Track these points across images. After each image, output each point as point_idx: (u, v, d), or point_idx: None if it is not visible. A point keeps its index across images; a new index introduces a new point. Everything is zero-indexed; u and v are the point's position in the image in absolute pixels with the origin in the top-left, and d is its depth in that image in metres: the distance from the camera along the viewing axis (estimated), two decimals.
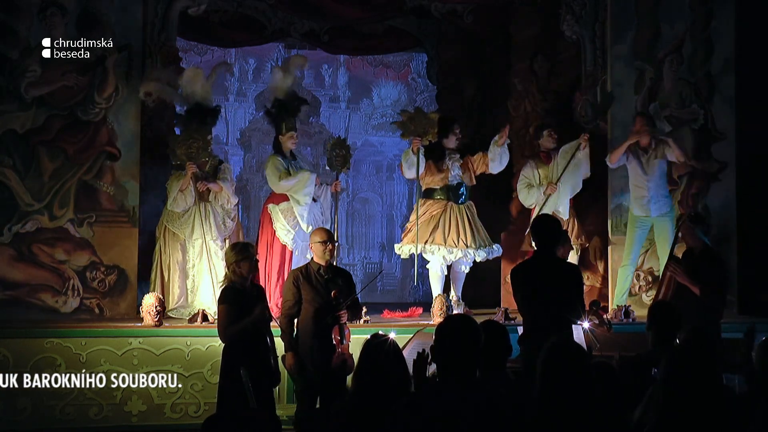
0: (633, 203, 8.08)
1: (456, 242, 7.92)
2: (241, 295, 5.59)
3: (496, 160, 8.02)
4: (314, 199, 7.93)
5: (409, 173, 8.03)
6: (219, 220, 7.72)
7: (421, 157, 7.91)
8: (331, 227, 7.78)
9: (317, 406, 5.89)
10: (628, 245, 8.10)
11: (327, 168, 8.38)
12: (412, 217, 8.15)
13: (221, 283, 5.91)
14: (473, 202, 8.24)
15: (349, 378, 5.82)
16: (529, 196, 8.22)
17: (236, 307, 5.55)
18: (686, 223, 6.58)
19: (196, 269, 7.65)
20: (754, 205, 8.63)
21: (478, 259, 8.05)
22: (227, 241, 7.71)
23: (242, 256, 5.66)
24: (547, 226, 5.46)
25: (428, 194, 8.11)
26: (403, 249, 8.12)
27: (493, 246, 8.15)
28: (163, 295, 7.47)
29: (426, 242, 7.93)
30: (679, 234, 6.71)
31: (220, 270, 7.61)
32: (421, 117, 7.96)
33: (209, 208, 7.69)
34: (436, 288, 8.00)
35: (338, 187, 8.05)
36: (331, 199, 8.08)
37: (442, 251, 7.92)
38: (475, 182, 8.21)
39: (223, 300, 5.64)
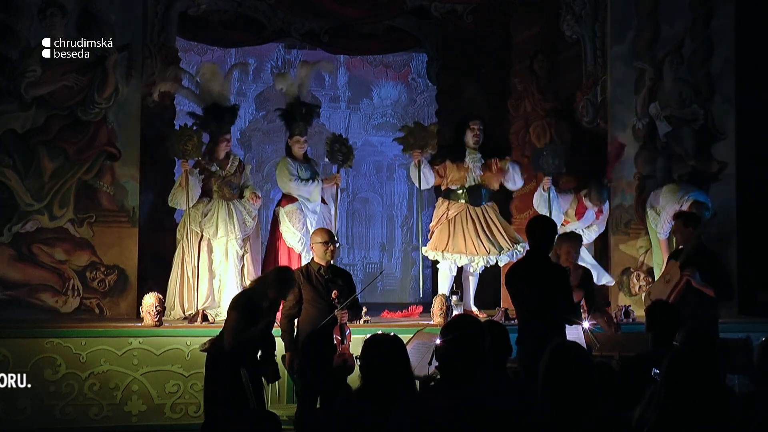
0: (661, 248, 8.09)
1: (476, 250, 7.85)
2: (255, 309, 5.53)
3: (510, 179, 8.02)
4: (323, 201, 7.97)
5: (416, 183, 8.04)
6: (242, 219, 7.72)
7: (426, 168, 7.91)
8: (333, 224, 7.82)
9: (317, 406, 5.89)
10: (655, 252, 8.18)
11: (327, 161, 8.35)
12: (435, 219, 8.13)
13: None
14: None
15: (349, 378, 5.83)
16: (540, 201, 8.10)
17: (247, 318, 5.47)
18: (679, 223, 6.57)
19: (222, 268, 7.65)
20: (754, 205, 8.63)
21: (501, 264, 7.99)
22: (248, 241, 7.71)
23: (283, 286, 5.63)
24: (540, 227, 5.42)
25: (447, 194, 8.07)
26: (429, 252, 8.10)
27: (518, 247, 7.93)
28: (186, 297, 7.48)
29: (447, 249, 7.90)
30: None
31: (245, 270, 7.64)
32: (421, 130, 7.95)
33: (232, 207, 7.70)
34: (444, 287, 7.99)
35: (339, 180, 8.07)
36: (332, 196, 8.08)
37: (464, 259, 7.89)
38: (498, 188, 8.10)
39: (236, 307, 5.57)
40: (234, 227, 7.64)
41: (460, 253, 7.87)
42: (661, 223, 8.00)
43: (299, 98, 8.04)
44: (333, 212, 8.08)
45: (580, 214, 8.12)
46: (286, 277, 5.73)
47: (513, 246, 7.95)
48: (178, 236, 7.72)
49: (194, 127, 7.63)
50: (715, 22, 8.60)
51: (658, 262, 8.07)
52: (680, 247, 6.64)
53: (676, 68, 8.55)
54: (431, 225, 8.17)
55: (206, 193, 7.72)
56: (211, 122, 7.70)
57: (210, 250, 7.64)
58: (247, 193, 7.89)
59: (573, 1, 8.56)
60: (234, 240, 7.65)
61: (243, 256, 7.73)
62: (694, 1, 8.57)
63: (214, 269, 7.65)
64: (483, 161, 8.00)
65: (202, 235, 7.63)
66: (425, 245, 8.14)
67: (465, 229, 7.89)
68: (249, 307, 5.53)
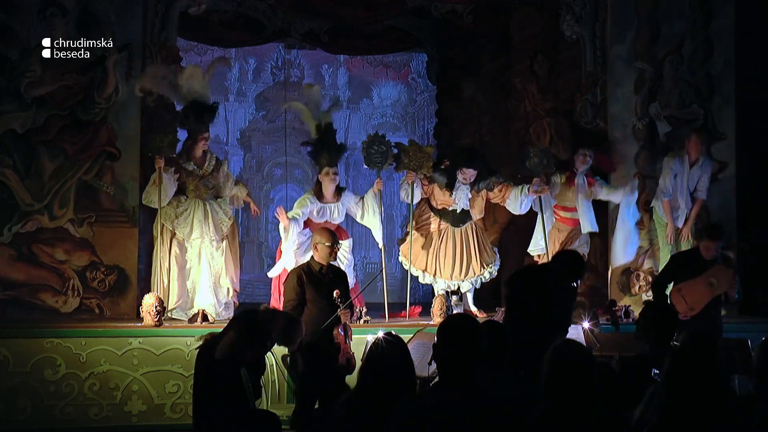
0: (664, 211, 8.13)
1: (441, 272, 7.90)
2: (254, 332, 5.41)
3: (516, 201, 7.91)
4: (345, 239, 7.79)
5: (406, 200, 8.04)
6: (218, 220, 7.66)
7: (417, 189, 7.88)
8: (380, 230, 7.82)
9: (315, 406, 5.89)
10: (662, 249, 8.19)
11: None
12: (415, 221, 8.12)
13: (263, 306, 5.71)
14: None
15: (348, 377, 5.85)
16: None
17: (244, 340, 5.25)
18: (707, 241, 6.63)
19: (195, 270, 7.59)
20: (754, 205, 8.63)
21: (463, 290, 8.01)
22: (224, 241, 7.67)
23: (288, 339, 5.53)
24: (562, 261, 5.37)
25: (431, 207, 8.08)
26: (402, 258, 8.15)
27: (485, 273, 8.02)
28: (163, 295, 7.45)
29: (415, 265, 7.95)
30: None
31: (223, 271, 7.58)
32: (416, 151, 7.86)
33: (208, 208, 7.62)
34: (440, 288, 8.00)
35: (380, 185, 7.93)
36: (374, 201, 7.92)
37: (427, 278, 7.96)
38: (483, 215, 8.13)
39: (236, 325, 5.37)
40: (209, 229, 7.55)
41: (424, 271, 7.93)
42: (662, 187, 8.09)
43: (331, 125, 7.84)
44: (379, 219, 7.90)
45: (571, 183, 8.08)
46: (295, 331, 5.54)
47: (481, 271, 7.98)
48: (155, 233, 7.61)
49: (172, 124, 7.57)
50: (715, 22, 8.60)
51: (665, 258, 8.09)
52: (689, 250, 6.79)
53: (676, 68, 8.55)
54: (409, 227, 8.12)
55: (182, 192, 7.63)
56: (191, 120, 7.60)
57: (183, 250, 7.58)
58: (242, 192, 7.83)
59: (573, 1, 8.55)
60: (208, 241, 7.55)
61: (221, 256, 7.62)
62: (694, 1, 8.57)
63: (186, 270, 7.57)
64: (470, 196, 7.95)
65: (175, 234, 7.56)
66: (402, 243, 8.23)
67: (438, 249, 7.94)
68: (249, 328, 5.37)
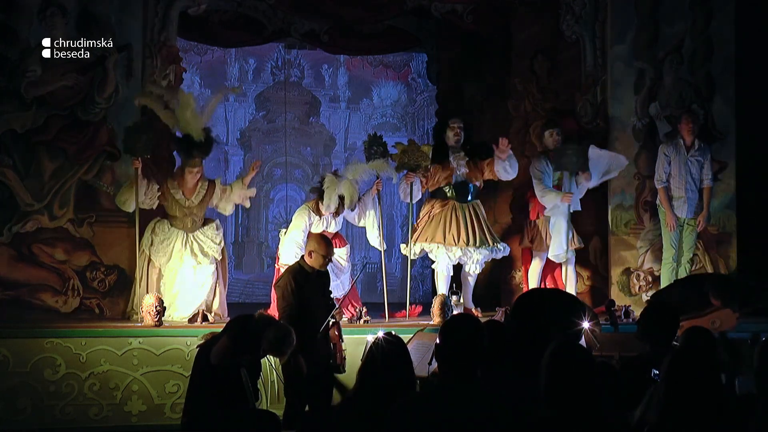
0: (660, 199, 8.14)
1: (456, 240, 7.86)
2: (246, 339, 5.31)
3: (501, 171, 7.97)
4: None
5: (405, 199, 8.08)
6: (206, 248, 7.49)
7: (415, 187, 7.91)
8: (377, 230, 7.86)
9: (307, 405, 5.91)
10: (666, 247, 8.15)
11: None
12: (422, 214, 8.14)
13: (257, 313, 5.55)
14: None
15: (340, 377, 5.87)
16: (548, 199, 8.02)
17: (237, 346, 5.21)
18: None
19: (166, 288, 7.47)
20: (754, 205, 8.63)
21: (478, 258, 7.97)
22: (212, 265, 7.53)
23: (279, 349, 5.41)
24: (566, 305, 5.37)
25: (435, 194, 8.09)
26: (405, 248, 8.11)
27: (498, 245, 8.04)
28: (133, 297, 7.42)
29: (426, 240, 7.91)
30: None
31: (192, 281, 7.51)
32: (414, 150, 7.88)
33: (191, 237, 7.49)
34: (441, 287, 7.98)
35: (380, 185, 7.97)
36: (374, 203, 7.94)
37: (441, 249, 7.90)
38: (481, 184, 8.19)
39: (229, 330, 5.33)
40: (190, 257, 7.42)
41: (438, 243, 7.89)
42: (657, 175, 8.13)
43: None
44: (378, 218, 7.94)
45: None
46: (285, 343, 5.44)
47: (494, 243, 7.99)
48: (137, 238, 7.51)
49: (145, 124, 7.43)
50: (715, 22, 8.61)
51: (668, 258, 8.08)
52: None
53: (676, 68, 8.56)
54: (416, 222, 8.14)
55: (166, 216, 7.55)
56: (182, 152, 7.49)
57: (160, 276, 7.51)
58: (238, 188, 7.69)
59: (573, 1, 8.57)
60: (189, 266, 7.44)
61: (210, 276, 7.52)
62: (694, 1, 8.58)
63: (160, 285, 7.49)
64: (467, 159, 7.99)
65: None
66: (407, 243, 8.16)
67: (447, 222, 7.92)
68: (241, 335, 5.34)
